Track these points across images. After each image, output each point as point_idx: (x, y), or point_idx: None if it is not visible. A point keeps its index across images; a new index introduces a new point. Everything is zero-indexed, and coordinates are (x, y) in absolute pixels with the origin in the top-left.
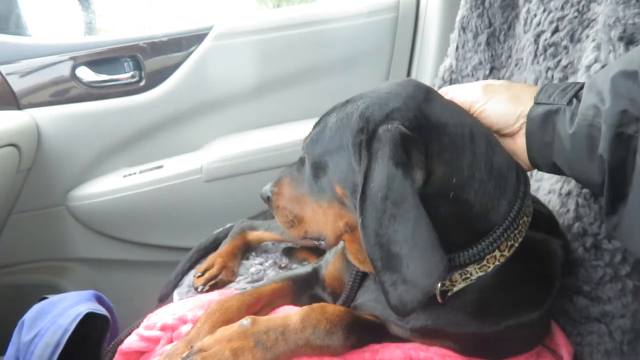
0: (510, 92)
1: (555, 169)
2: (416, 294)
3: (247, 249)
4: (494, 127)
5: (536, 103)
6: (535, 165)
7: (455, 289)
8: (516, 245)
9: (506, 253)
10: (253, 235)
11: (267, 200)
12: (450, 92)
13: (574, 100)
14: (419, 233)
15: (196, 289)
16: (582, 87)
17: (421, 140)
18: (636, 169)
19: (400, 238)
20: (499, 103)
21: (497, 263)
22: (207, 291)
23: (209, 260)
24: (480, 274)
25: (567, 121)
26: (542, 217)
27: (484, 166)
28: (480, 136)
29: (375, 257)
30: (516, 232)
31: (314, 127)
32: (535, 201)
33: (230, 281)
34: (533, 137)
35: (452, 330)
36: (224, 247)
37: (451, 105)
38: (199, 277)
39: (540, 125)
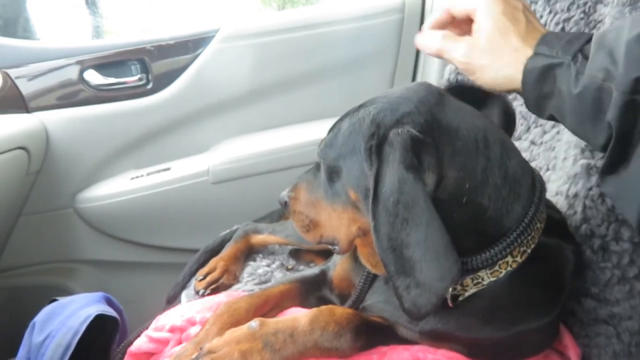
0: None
1: (552, 119)
2: (430, 297)
3: (250, 253)
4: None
5: (535, 53)
6: (533, 113)
7: (466, 294)
8: (529, 251)
9: (518, 259)
10: (257, 238)
11: (285, 205)
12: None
13: (579, 56)
14: (432, 236)
15: (197, 292)
16: (587, 41)
17: (432, 144)
18: None
19: (413, 242)
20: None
21: (509, 268)
22: (208, 295)
23: (210, 264)
24: (492, 279)
25: (571, 79)
26: (555, 222)
27: (498, 171)
28: (495, 140)
29: (389, 261)
30: (529, 238)
31: (329, 132)
32: (549, 206)
33: (232, 285)
34: (530, 88)
35: (461, 334)
36: (227, 250)
37: (465, 109)
38: (200, 280)
39: (539, 78)
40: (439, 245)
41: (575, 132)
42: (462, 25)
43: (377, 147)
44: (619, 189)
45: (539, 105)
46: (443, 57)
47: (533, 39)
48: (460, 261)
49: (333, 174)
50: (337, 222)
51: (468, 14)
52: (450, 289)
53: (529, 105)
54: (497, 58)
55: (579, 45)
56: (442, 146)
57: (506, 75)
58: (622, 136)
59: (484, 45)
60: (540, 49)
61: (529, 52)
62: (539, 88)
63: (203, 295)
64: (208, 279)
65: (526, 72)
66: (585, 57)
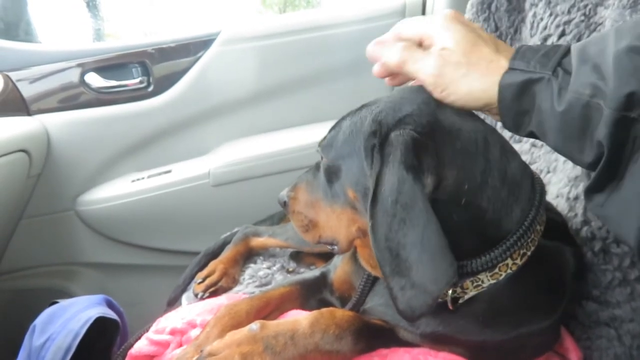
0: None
1: (532, 136)
2: (425, 299)
3: (249, 255)
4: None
5: (511, 68)
6: (510, 131)
7: (466, 297)
8: (528, 253)
9: (518, 261)
10: (256, 241)
11: (284, 205)
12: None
13: (559, 70)
14: (428, 238)
15: (196, 295)
16: (565, 53)
17: (433, 145)
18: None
19: (410, 242)
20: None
21: (509, 271)
22: (207, 297)
23: (210, 267)
24: (492, 281)
25: (554, 95)
26: (555, 225)
27: (497, 173)
28: (495, 143)
29: (384, 261)
30: (529, 240)
31: (329, 131)
32: (549, 208)
33: (231, 288)
34: (507, 104)
35: (462, 337)
36: (226, 253)
37: (466, 112)
38: (199, 283)
39: (517, 95)
40: (436, 247)
41: (558, 150)
42: None
43: (378, 147)
44: (610, 209)
45: (517, 122)
46: (402, 71)
47: (506, 52)
48: (460, 264)
49: (332, 174)
50: (336, 223)
51: (421, 39)
52: (450, 292)
53: (505, 123)
54: (472, 70)
55: (557, 59)
56: (443, 147)
57: (482, 88)
58: (613, 154)
59: (457, 57)
60: (516, 64)
61: (504, 63)
62: (517, 104)
63: (202, 298)
64: (207, 281)
65: (503, 88)
66: (567, 71)
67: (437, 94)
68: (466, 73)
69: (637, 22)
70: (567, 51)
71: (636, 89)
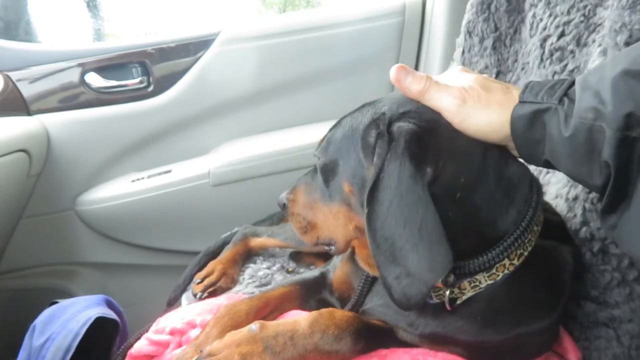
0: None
1: (548, 165)
2: (420, 287)
3: (248, 256)
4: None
5: (521, 102)
6: (528, 162)
7: (464, 297)
8: (526, 254)
9: (516, 262)
10: (255, 241)
11: (284, 207)
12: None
13: (565, 99)
14: (426, 226)
15: (195, 295)
16: (571, 85)
17: (434, 139)
18: None
19: (407, 231)
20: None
21: (506, 272)
22: (206, 298)
23: (208, 267)
24: (490, 282)
25: (561, 122)
26: (553, 225)
27: (494, 173)
28: (494, 145)
29: (379, 250)
30: (526, 241)
31: (329, 130)
32: (547, 209)
33: (230, 288)
34: (520, 135)
35: (461, 337)
36: (225, 253)
37: None
38: (198, 283)
39: (528, 125)
40: (433, 235)
41: (571, 176)
42: None
43: (380, 137)
44: (623, 230)
45: (532, 152)
46: (423, 98)
47: (515, 88)
48: (457, 265)
49: (329, 172)
50: (334, 222)
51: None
52: (448, 292)
53: (522, 154)
54: (492, 102)
55: (563, 90)
56: (443, 142)
57: (500, 121)
58: (620, 174)
59: (477, 91)
60: (525, 96)
61: (515, 100)
62: (530, 134)
63: (201, 299)
64: (205, 282)
65: (514, 120)
66: (572, 100)
67: (457, 123)
68: (487, 104)
69: (631, 48)
70: (573, 83)
71: (634, 109)
